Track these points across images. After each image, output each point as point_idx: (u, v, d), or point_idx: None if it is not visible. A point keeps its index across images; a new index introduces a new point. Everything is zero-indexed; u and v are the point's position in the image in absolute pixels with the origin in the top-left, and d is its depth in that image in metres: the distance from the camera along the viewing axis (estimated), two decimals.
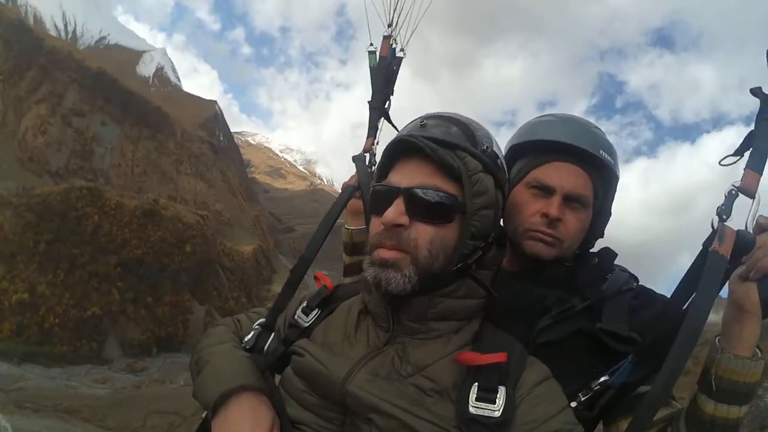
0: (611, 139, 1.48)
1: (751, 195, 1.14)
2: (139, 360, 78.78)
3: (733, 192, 1.15)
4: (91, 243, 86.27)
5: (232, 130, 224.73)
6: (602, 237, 1.55)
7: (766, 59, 1.13)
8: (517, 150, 1.53)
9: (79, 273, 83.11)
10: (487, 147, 1.15)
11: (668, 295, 1.30)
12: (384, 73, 1.86)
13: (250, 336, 1.35)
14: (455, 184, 1.11)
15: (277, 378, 1.28)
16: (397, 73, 1.90)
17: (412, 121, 1.20)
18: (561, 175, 1.40)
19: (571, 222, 1.40)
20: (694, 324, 1.05)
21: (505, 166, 1.22)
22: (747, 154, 1.19)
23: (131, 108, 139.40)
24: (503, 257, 1.44)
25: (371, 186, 1.22)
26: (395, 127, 1.85)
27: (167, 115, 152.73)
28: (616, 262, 1.51)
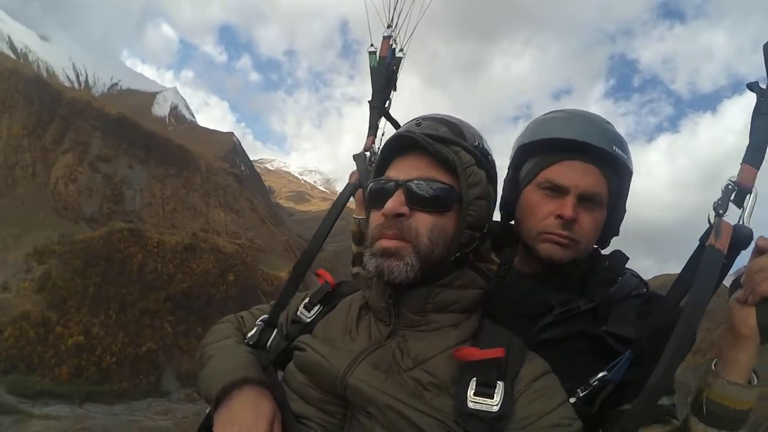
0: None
1: (748, 190, 1.13)
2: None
3: (730, 187, 1.14)
4: (139, 281, 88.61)
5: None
6: (617, 235, 1.51)
7: (763, 55, 1.12)
8: (526, 150, 1.47)
9: (130, 311, 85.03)
10: (478, 143, 1.19)
11: None
12: (384, 73, 1.87)
13: (253, 332, 1.36)
14: (451, 176, 1.14)
15: (280, 375, 1.27)
16: (398, 73, 1.90)
17: (408, 122, 1.24)
18: (574, 175, 1.35)
19: (586, 222, 1.36)
20: (690, 318, 1.06)
21: (494, 162, 1.25)
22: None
23: (154, 148, 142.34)
24: (515, 255, 1.48)
25: (369, 182, 1.24)
26: (396, 125, 1.88)
27: (189, 151, 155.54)
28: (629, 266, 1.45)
